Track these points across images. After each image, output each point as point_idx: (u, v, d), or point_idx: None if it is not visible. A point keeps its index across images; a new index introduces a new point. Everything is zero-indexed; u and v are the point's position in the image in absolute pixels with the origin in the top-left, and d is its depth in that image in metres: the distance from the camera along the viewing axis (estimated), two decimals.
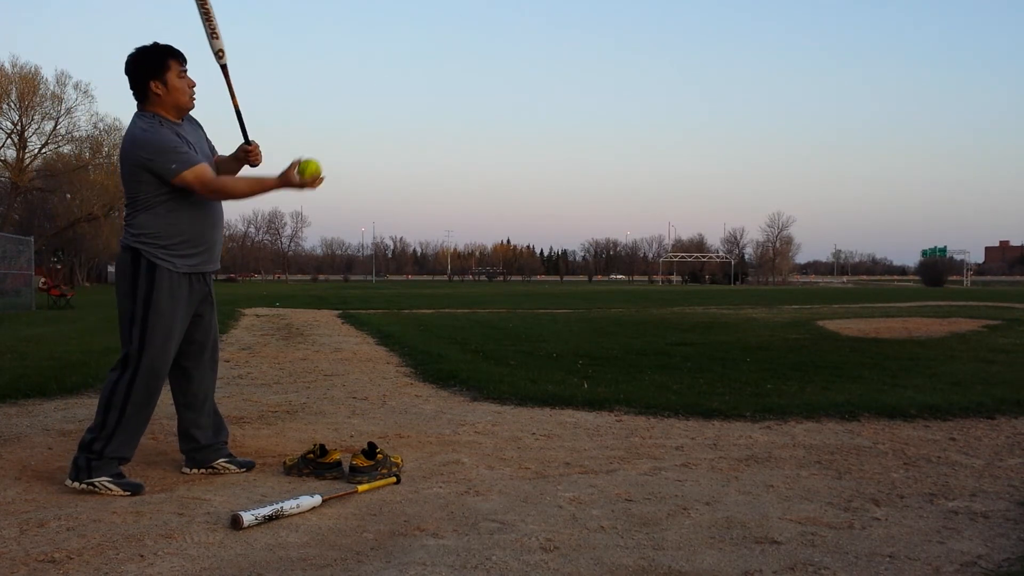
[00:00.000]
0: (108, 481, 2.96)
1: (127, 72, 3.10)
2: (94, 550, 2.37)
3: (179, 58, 3.13)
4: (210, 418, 3.35)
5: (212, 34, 3.27)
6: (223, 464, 3.33)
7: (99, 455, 2.98)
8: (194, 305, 3.21)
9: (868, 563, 2.34)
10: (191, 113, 3.25)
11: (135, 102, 3.14)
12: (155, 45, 3.11)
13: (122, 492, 2.95)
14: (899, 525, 2.69)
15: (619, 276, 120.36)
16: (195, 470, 3.30)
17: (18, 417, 4.51)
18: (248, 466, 3.38)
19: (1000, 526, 2.68)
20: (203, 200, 3.15)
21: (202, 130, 3.33)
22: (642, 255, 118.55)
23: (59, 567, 2.24)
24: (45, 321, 13.67)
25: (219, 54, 3.29)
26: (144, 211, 3.07)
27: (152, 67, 3.07)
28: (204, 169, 3.06)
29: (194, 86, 3.19)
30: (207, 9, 3.26)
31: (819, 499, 2.99)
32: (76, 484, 2.97)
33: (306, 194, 3.24)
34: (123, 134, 3.23)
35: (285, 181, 3.16)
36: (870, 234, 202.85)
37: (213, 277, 3.37)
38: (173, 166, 3.00)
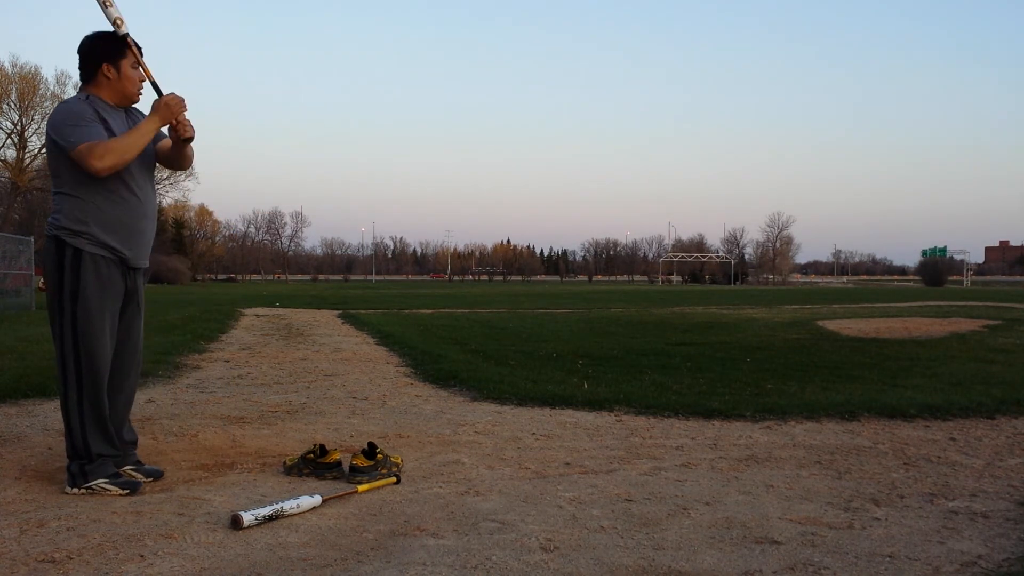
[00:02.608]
0: (105, 482, 2.96)
1: (81, 51, 3.07)
2: (94, 550, 2.37)
3: (137, 49, 3.12)
4: (126, 423, 3.23)
5: (106, 2, 3.07)
6: (129, 471, 3.11)
7: (89, 458, 2.97)
8: (121, 298, 3.10)
9: (868, 563, 2.34)
10: (139, 108, 3.21)
11: (80, 82, 3.11)
12: (116, 32, 3.08)
13: (121, 491, 2.94)
14: (899, 525, 2.69)
15: (611, 278, 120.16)
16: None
17: (18, 417, 4.51)
18: (156, 475, 3.15)
19: (1000, 526, 2.68)
20: (122, 185, 3.03)
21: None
22: (642, 255, 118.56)
23: (59, 567, 2.24)
24: (45, 321, 13.65)
25: (116, 23, 3.08)
26: (67, 195, 2.98)
27: (109, 50, 3.05)
28: (96, 142, 2.89)
29: (143, 80, 3.14)
30: None
31: (819, 499, 2.99)
32: (75, 490, 2.95)
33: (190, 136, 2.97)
34: None
35: (156, 115, 2.98)
36: (870, 234, 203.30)
37: (144, 277, 3.26)
38: (72, 139, 2.89)
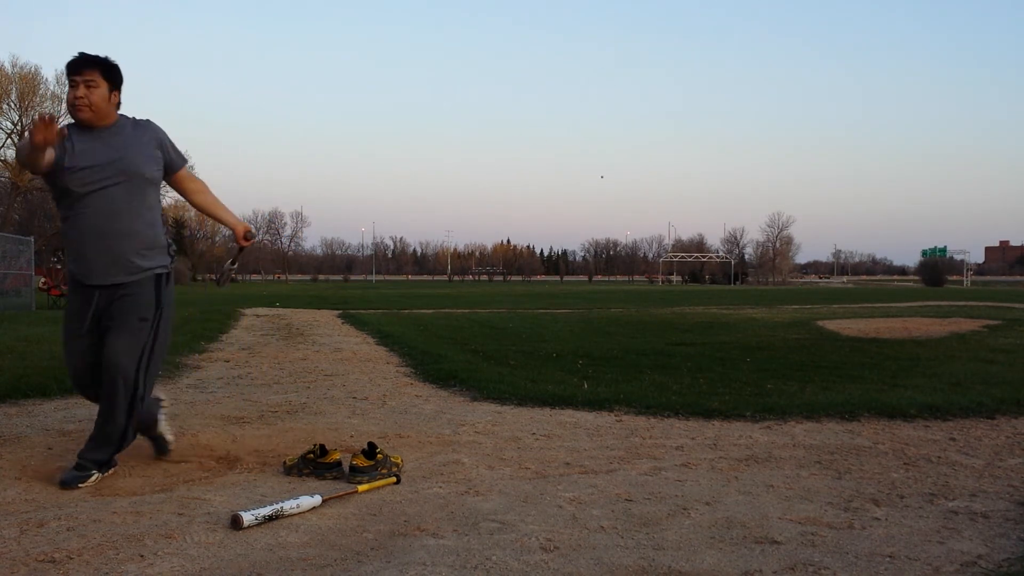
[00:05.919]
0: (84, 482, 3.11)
1: None
2: (94, 550, 2.37)
3: (68, 70, 3.14)
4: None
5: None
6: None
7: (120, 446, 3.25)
8: (91, 315, 3.20)
9: (868, 563, 2.34)
10: (137, 117, 3.26)
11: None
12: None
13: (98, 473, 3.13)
14: (899, 525, 2.69)
15: (611, 278, 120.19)
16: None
17: (18, 417, 4.51)
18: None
19: (1000, 526, 2.68)
20: (81, 210, 3.13)
21: (145, 133, 3.24)
22: (642, 255, 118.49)
23: (59, 567, 2.24)
24: (45, 321, 13.66)
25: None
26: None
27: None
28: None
29: (80, 97, 3.10)
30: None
31: (819, 499, 2.99)
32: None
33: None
34: None
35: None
36: (870, 234, 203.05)
37: (117, 296, 3.20)
38: None
